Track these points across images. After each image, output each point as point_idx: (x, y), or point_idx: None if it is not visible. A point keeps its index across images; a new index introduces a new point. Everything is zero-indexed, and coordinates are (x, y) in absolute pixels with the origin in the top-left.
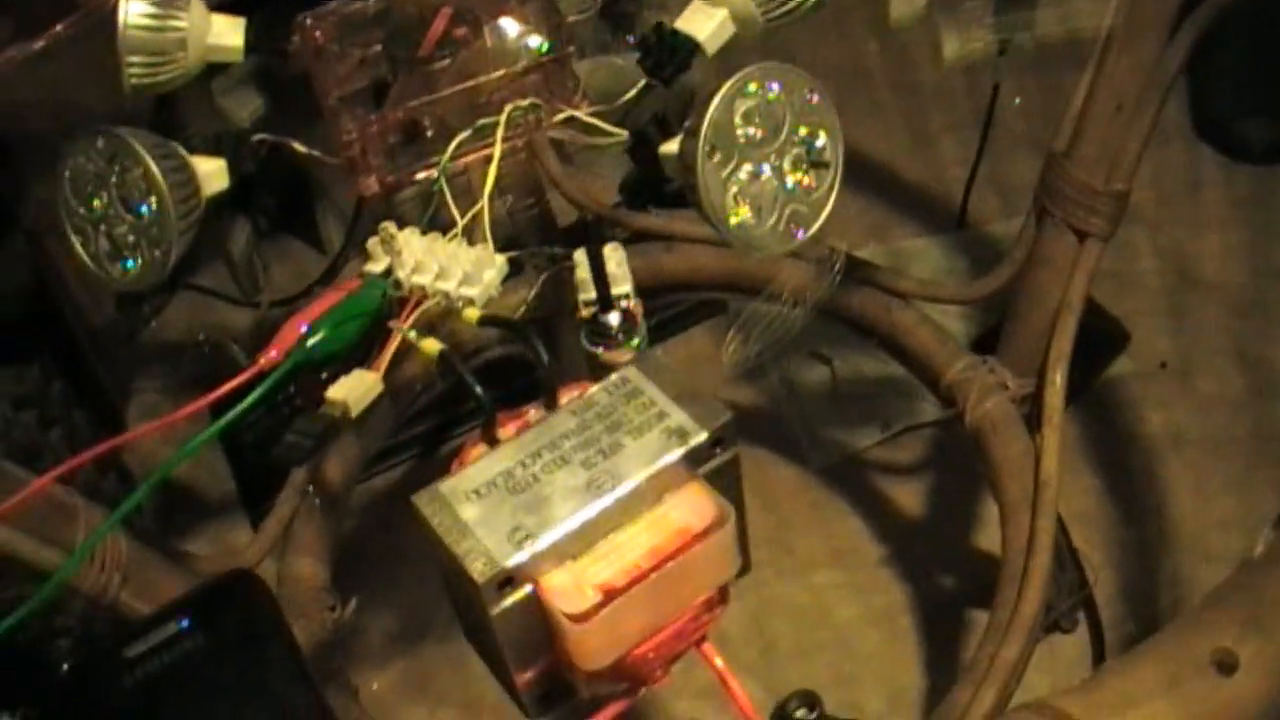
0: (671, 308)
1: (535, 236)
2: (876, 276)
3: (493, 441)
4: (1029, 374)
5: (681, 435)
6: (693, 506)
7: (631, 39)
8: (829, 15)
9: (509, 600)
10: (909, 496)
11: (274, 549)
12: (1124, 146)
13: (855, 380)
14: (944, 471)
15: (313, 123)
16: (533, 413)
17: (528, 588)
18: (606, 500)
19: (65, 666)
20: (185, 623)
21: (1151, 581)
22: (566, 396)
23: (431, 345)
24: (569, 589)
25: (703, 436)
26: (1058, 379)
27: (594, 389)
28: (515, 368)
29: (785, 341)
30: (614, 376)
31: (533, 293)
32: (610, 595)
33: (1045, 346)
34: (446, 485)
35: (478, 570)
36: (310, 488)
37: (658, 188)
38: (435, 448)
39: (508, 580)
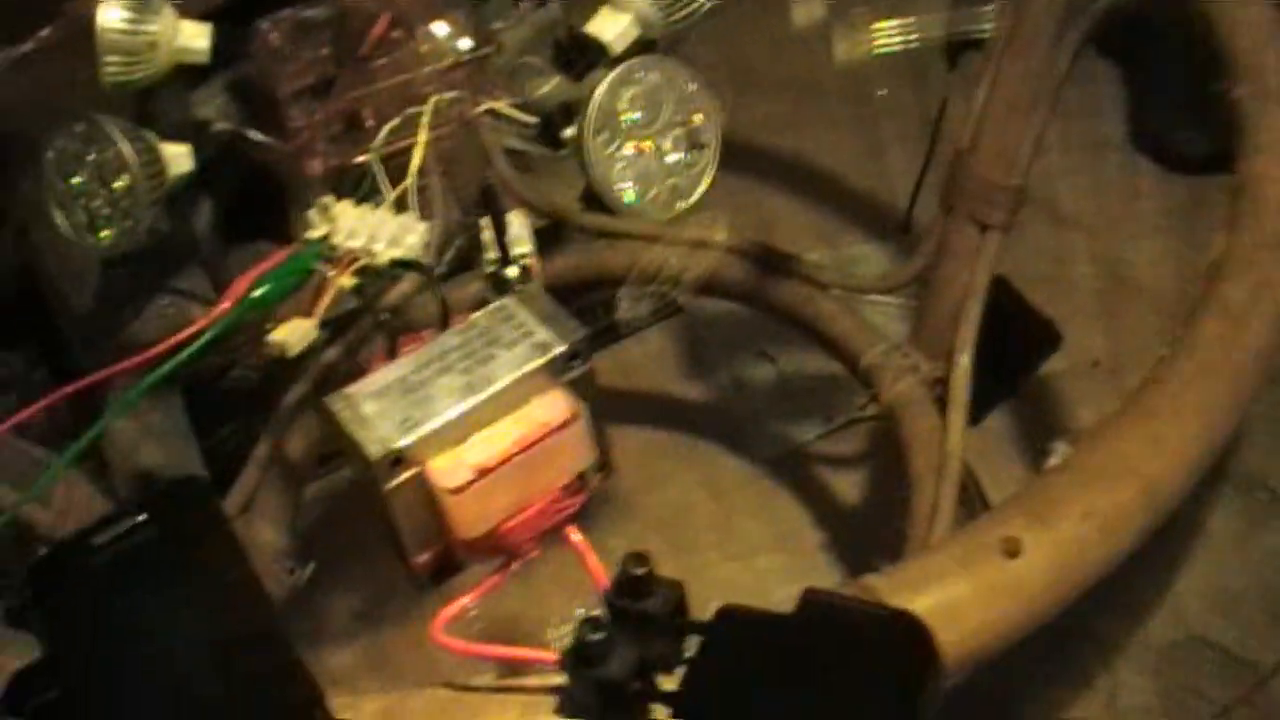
0: None
1: (476, 212)
2: (801, 269)
3: (393, 356)
4: (941, 358)
5: (544, 348)
6: (551, 405)
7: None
8: (785, 31)
9: (400, 478)
10: (849, 486)
11: (238, 516)
12: (1019, 144)
13: (798, 376)
14: (882, 462)
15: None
16: (428, 335)
17: (415, 469)
18: (480, 397)
19: (42, 550)
20: (142, 516)
21: None
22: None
23: (347, 280)
24: (448, 469)
25: (562, 348)
26: (964, 361)
27: (477, 314)
28: None
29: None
30: (494, 304)
31: (450, 254)
32: (482, 473)
33: (953, 332)
34: (352, 389)
35: (373, 451)
36: (274, 461)
37: None
38: None
39: (398, 460)
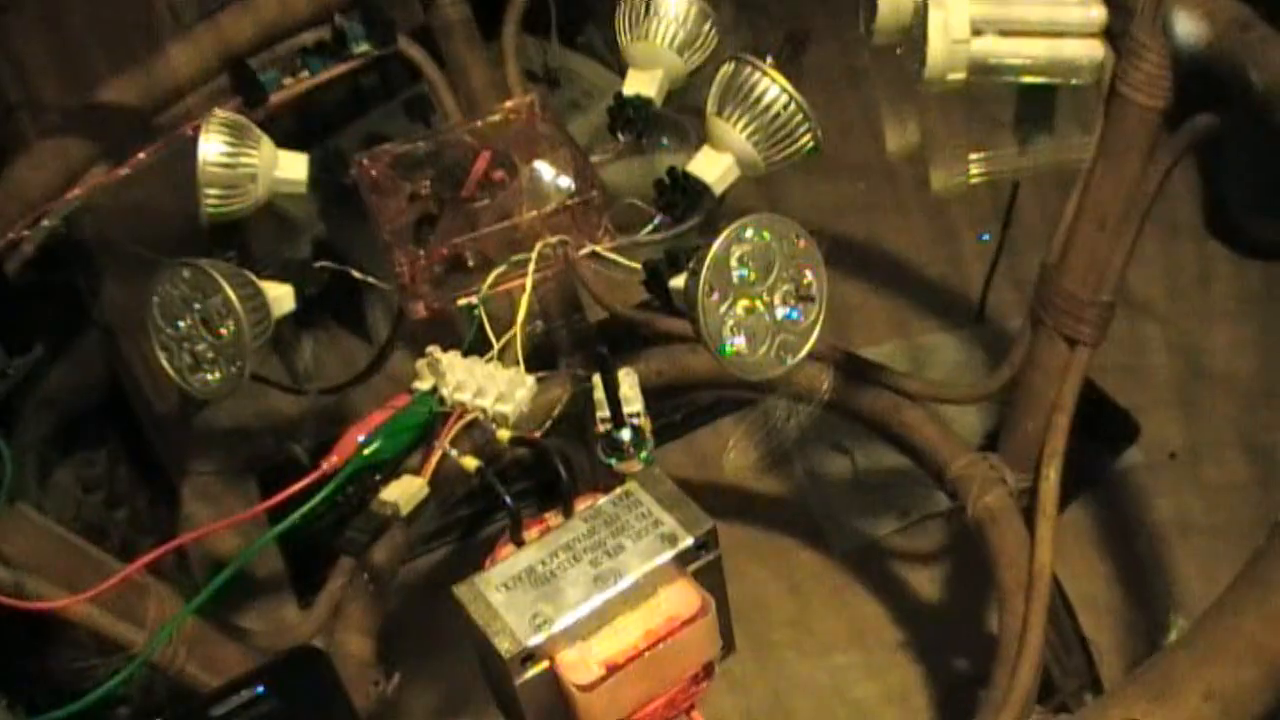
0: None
1: (572, 348)
2: (887, 379)
3: (519, 542)
4: (1027, 469)
5: (672, 539)
6: (681, 598)
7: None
8: (858, 115)
9: (530, 673)
10: (926, 582)
11: (325, 625)
12: (1109, 261)
13: (874, 471)
14: (959, 558)
15: (360, 222)
16: (551, 518)
17: (545, 663)
18: (610, 592)
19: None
20: (261, 689)
21: None
22: (581, 504)
23: (470, 462)
24: (578, 664)
25: (689, 541)
26: (1052, 474)
27: (602, 500)
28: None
29: (782, 449)
30: (619, 490)
31: (559, 410)
32: (612, 669)
33: (1040, 444)
34: (480, 578)
35: (504, 648)
36: (359, 570)
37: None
38: (473, 532)
39: (529, 656)
